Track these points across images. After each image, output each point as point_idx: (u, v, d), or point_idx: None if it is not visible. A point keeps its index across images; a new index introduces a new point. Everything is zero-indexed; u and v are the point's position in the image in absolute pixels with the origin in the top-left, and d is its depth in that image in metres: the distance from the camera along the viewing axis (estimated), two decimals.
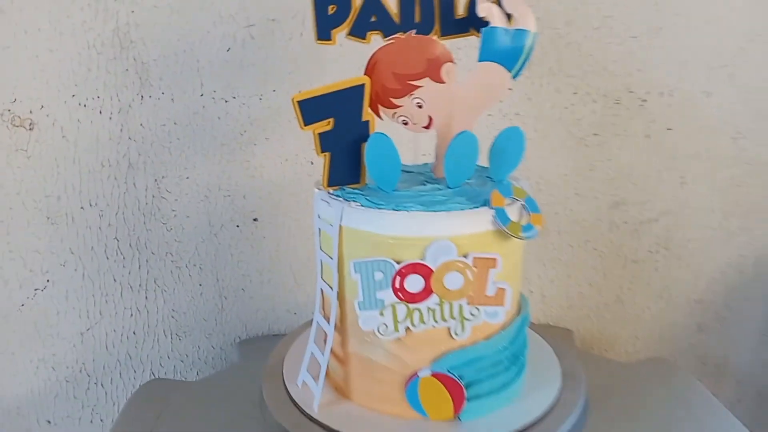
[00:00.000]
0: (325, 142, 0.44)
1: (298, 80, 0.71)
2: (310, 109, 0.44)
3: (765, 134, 0.77)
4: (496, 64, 0.46)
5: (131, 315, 0.78)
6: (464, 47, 0.54)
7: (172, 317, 0.79)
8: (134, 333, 0.79)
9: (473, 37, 0.49)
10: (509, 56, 0.46)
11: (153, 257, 0.76)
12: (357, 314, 0.42)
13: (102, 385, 0.80)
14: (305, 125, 0.44)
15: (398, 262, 0.41)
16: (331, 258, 0.44)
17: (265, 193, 0.75)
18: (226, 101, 0.71)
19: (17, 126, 0.70)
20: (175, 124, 0.72)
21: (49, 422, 0.81)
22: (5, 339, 0.77)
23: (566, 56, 0.73)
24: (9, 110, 0.69)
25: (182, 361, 0.81)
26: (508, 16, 0.47)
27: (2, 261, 0.74)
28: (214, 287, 0.78)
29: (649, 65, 0.74)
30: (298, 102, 0.43)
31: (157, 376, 0.81)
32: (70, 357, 0.79)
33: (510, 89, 0.48)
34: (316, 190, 0.47)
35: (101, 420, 0.82)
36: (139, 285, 0.77)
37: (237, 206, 0.76)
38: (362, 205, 0.42)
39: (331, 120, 0.44)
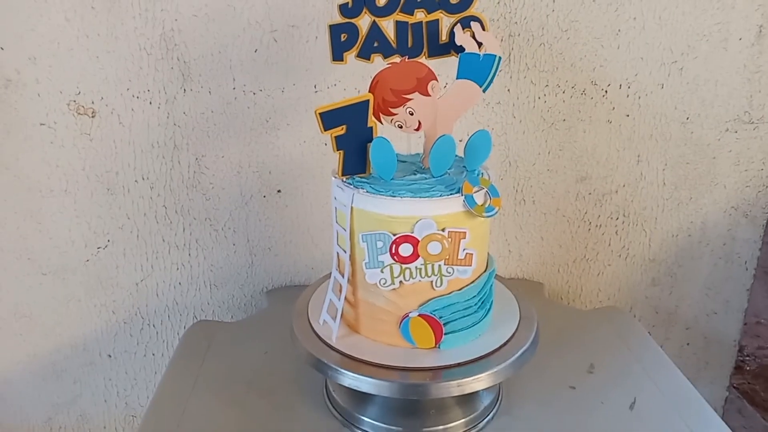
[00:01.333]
0: (339, 142, 0.59)
1: (314, 76, 0.85)
2: (329, 119, 0.58)
3: (709, 119, 0.90)
4: (470, 81, 0.60)
5: (177, 269, 0.94)
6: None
7: (211, 271, 0.94)
8: (180, 284, 0.95)
9: (453, 57, 0.62)
10: (480, 75, 0.60)
11: (195, 222, 0.91)
12: (364, 271, 0.58)
13: (153, 326, 0.97)
14: (325, 130, 0.58)
15: (394, 234, 0.56)
16: (345, 230, 0.59)
17: (287, 169, 0.89)
18: (254, 93, 0.85)
19: (81, 114, 0.84)
20: (212, 112, 0.85)
21: (109, 356, 0.98)
22: (73, 288, 0.93)
23: (539, 54, 0.85)
24: (74, 101, 0.83)
25: (219, 307, 0.97)
26: (480, 44, 0.60)
27: (70, 224, 0.89)
28: (245, 246, 0.94)
29: (610, 61, 0.86)
30: (320, 113, 0.57)
31: (198, 319, 0.97)
32: (127, 303, 0.95)
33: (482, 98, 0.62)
34: (333, 178, 0.61)
35: (153, 354, 0.99)
36: (184, 244, 0.92)
37: (264, 180, 0.90)
38: (367, 192, 0.57)
39: (344, 126, 0.58)
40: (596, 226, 0.96)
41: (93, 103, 0.83)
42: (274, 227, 0.93)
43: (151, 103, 0.84)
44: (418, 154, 0.67)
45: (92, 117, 0.84)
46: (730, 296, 1.03)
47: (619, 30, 0.85)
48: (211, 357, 0.78)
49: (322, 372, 0.60)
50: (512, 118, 0.89)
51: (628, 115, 0.90)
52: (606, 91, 0.88)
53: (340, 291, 0.61)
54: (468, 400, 0.64)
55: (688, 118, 0.90)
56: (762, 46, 0.86)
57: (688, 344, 1.06)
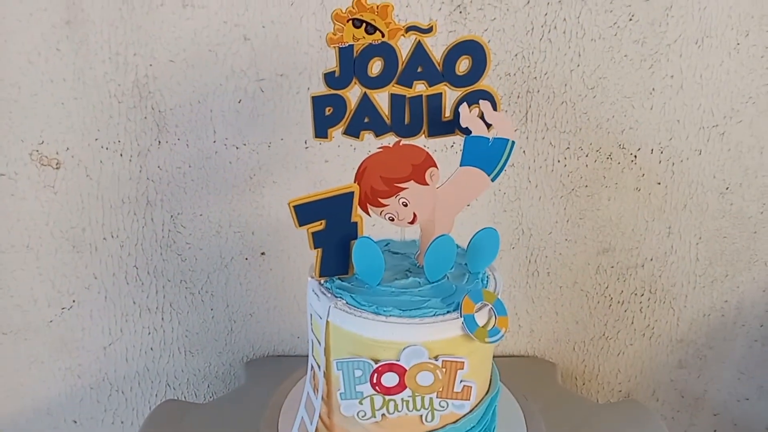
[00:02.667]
0: (317, 239, 0.49)
1: (304, 130, 0.75)
2: (305, 213, 0.49)
3: (752, 189, 0.80)
4: (476, 168, 0.50)
5: (149, 333, 0.85)
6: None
7: (186, 337, 0.85)
8: (151, 349, 0.86)
9: (457, 137, 0.53)
10: (489, 162, 0.50)
11: (169, 284, 0.82)
12: (339, 402, 0.48)
13: (122, 392, 0.88)
14: (299, 226, 0.49)
15: (376, 361, 0.46)
16: (320, 344, 0.50)
17: (272, 230, 0.80)
18: (237, 148, 0.76)
19: (45, 165, 0.75)
20: (189, 167, 0.76)
21: (75, 422, 0.90)
22: (36, 350, 0.84)
23: (561, 113, 0.75)
24: (37, 151, 0.75)
25: (195, 375, 0.88)
26: (489, 124, 0.50)
27: (32, 282, 0.81)
28: (225, 312, 0.85)
29: (642, 124, 0.76)
30: (294, 206, 0.48)
31: (171, 387, 0.88)
32: (94, 367, 0.86)
33: None
34: (309, 278, 0.52)
35: (121, 422, 0.90)
36: (156, 308, 0.83)
37: (246, 241, 0.81)
38: (347, 303, 0.48)
39: (323, 221, 0.49)
40: (618, 302, 0.86)
41: (58, 153, 0.75)
42: (257, 292, 0.84)
43: (122, 155, 0.75)
44: (413, 241, 0.58)
45: (57, 168, 0.75)
46: (764, 381, 0.92)
47: (653, 89, 0.74)
48: None
49: None
50: (527, 182, 0.79)
51: (659, 183, 0.79)
52: (635, 156, 0.78)
53: (314, 412, 0.52)
54: None
55: (728, 188, 0.80)
56: None
57: (715, 431, 0.95)
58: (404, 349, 0.46)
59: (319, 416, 0.52)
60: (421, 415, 0.48)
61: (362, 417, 0.48)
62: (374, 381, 0.46)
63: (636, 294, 0.86)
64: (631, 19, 0.72)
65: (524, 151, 0.78)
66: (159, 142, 0.75)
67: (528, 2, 0.71)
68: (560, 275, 0.84)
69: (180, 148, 0.76)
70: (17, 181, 0.76)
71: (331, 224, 0.49)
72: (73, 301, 0.82)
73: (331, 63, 0.50)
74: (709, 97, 0.75)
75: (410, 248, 0.57)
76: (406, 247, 0.57)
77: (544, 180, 0.79)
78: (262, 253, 0.82)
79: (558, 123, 0.76)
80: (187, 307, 0.84)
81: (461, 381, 0.47)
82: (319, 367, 0.51)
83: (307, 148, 0.76)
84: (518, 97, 0.75)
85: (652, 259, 0.83)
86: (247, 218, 0.79)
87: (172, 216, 0.79)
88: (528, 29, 0.72)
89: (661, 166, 0.78)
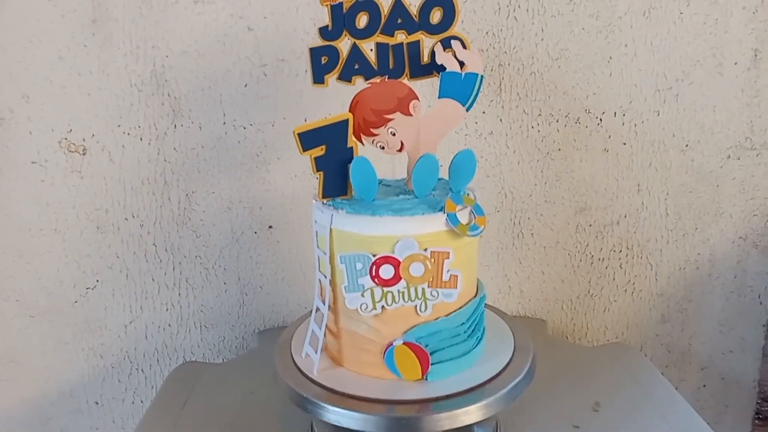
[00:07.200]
0: (319, 163, 0.57)
1: (304, 109, 0.84)
2: (308, 139, 0.57)
3: (710, 146, 0.88)
4: (452, 100, 0.59)
5: (167, 310, 0.91)
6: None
7: (201, 311, 0.92)
8: (169, 325, 0.92)
9: (435, 78, 0.61)
10: (463, 93, 0.59)
11: (185, 260, 0.89)
12: (344, 296, 0.55)
13: (142, 370, 0.94)
14: (304, 151, 0.57)
15: (374, 255, 0.53)
16: (325, 253, 0.57)
17: (278, 204, 0.88)
18: (245, 128, 0.85)
19: (72, 152, 0.84)
20: (202, 147, 0.85)
21: (96, 403, 0.95)
22: (60, 331, 0.91)
23: (531, 83, 0.85)
24: (66, 138, 0.83)
25: (210, 349, 0.94)
26: (461, 63, 0.59)
27: (59, 264, 0.88)
28: (237, 285, 0.91)
29: (603, 89, 0.85)
30: (298, 133, 0.56)
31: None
32: (116, 346, 0.92)
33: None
34: (314, 201, 0.60)
35: (141, 401, 0.95)
36: (173, 284, 0.90)
37: (255, 216, 0.88)
38: (347, 212, 0.55)
39: (323, 146, 0.57)
40: (599, 259, 0.93)
41: (84, 140, 0.83)
42: (266, 264, 0.91)
43: (141, 139, 0.84)
44: (402, 179, 0.65)
45: (83, 154, 0.84)
46: (745, 333, 0.98)
47: (610, 57, 0.84)
48: (194, 398, 0.75)
49: (303, 407, 0.56)
50: (506, 148, 0.87)
51: (625, 144, 0.88)
52: (601, 120, 0.86)
53: (322, 320, 0.58)
54: None
55: (687, 145, 0.88)
56: (759, 70, 0.85)
57: (704, 386, 1.00)
58: (397, 242, 0.53)
59: (326, 326, 0.59)
60: (416, 306, 0.55)
61: (364, 309, 0.55)
62: (373, 273, 0.53)
63: (614, 251, 0.93)
64: None
65: (500, 119, 0.86)
66: (175, 126, 0.84)
67: None
68: (543, 235, 0.91)
69: (193, 131, 0.84)
70: (47, 167, 0.84)
71: (330, 149, 0.57)
72: (97, 280, 0.89)
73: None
74: (661, 63, 0.85)
75: (399, 183, 0.64)
76: (395, 182, 0.65)
77: (521, 146, 0.87)
78: (270, 227, 0.89)
79: (529, 92, 0.85)
80: (202, 282, 0.91)
81: (448, 270, 0.54)
82: (325, 276, 0.58)
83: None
84: (491, 70, 0.84)
85: (625, 216, 0.91)
86: (255, 194, 0.87)
87: (187, 195, 0.87)
88: (495, 9, 0.82)
89: (624, 128, 0.87)
